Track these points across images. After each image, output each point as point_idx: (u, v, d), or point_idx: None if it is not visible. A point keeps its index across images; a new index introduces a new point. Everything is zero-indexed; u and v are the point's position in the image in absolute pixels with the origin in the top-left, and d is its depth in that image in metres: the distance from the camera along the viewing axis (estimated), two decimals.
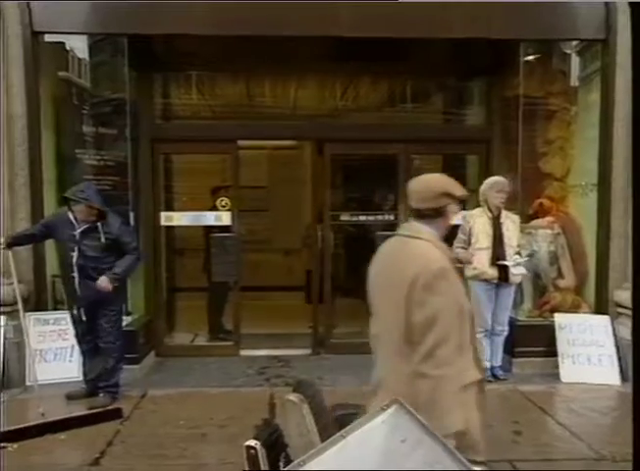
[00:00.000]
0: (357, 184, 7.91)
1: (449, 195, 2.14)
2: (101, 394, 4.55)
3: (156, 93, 6.20)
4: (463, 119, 6.66)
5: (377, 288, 2.29)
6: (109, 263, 4.45)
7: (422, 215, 2.17)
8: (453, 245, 5.25)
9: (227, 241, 5.94)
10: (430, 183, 2.23)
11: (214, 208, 6.06)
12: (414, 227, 2.17)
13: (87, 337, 4.60)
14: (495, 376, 5.20)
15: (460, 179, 6.75)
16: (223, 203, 6.03)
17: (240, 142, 6.07)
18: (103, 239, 4.40)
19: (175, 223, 6.09)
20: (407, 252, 2.17)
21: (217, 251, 5.94)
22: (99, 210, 4.39)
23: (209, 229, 6.10)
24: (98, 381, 4.61)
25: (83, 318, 4.52)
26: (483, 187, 5.21)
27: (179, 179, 7.05)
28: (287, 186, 8.93)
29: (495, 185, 5.13)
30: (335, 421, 2.55)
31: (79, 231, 4.42)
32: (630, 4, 2.14)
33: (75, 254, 4.39)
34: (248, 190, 7.46)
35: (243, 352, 6.07)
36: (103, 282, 4.39)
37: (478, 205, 5.28)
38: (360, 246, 6.78)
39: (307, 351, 6.13)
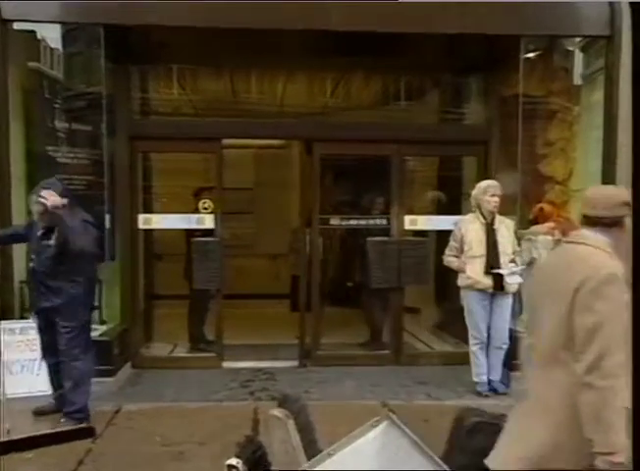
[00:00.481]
0: (348, 187, 7.93)
1: (629, 206, 2.16)
2: (62, 420, 4.40)
3: (134, 87, 6.17)
4: (460, 118, 6.69)
5: (539, 297, 2.29)
6: (64, 272, 4.28)
7: (597, 223, 2.17)
8: (445, 254, 5.32)
9: (209, 246, 5.93)
10: (613, 192, 2.28)
11: (196, 211, 6.06)
12: (585, 234, 2.18)
13: (50, 349, 4.48)
14: (494, 390, 5.21)
15: (456, 182, 7.03)
16: (205, 205, 6.02)
17: (225, 141, 6.08)
18: (54, 243, 4.23)
19: (154, 226, 6.08)
20: (575, 257, 2.18)
21: (199, 256, 5.92)
22: (55, 211, 4.24)
23: (191, 232, 6.10)
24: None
25: (43, 328, 4.45)
26: (475, 192, 5.24)
27: (158, 179, 7.04)
28: (273, 188, 8.97)
29: (487, 189, 5.15)
30: (469, 431, 2.56)
31: (39, 233, 4.36)
32: (631, 4, 2.19)
33: (34, 258, 4.33)
34: (233, 192, 7.47)
35: (226, 364, 6.07)
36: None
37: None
38: (350, 252, 6.99)
39: (293, 363, 6.13)
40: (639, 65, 2.15)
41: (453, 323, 6.46)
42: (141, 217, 6.00)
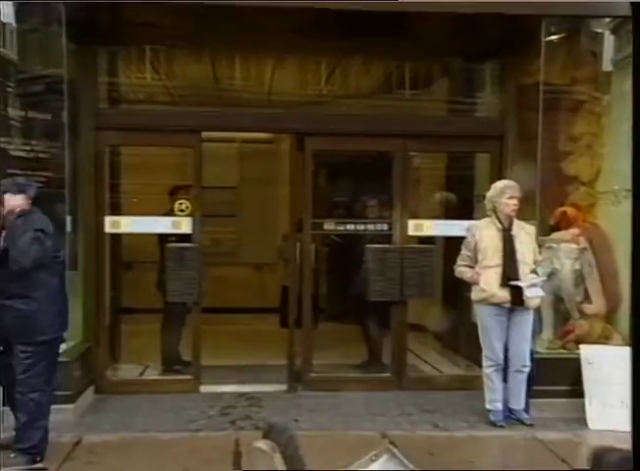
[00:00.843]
0: (345, 187, 8.02)
1: None
2: (12, 455, 4.26)
3: (101, 71, 6.14)
4: (472, 110, 6.71)
5: None
6: (15, 286, 4.17)
7: None
8: (457, 264, 5.31)
9: (186, 253, 5.93)
10: None
11: (171, 212, 6.08)
12: None
13: (6, 376, 4.35)
14: (519, 421, 5.20)
15: (467, 182, 7.07)
16: (182, 207, 6.03)
17: (204, 134, 6.10)
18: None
19: (123, 230, 6.08)
20: None
21: (174, 265, 5.92)
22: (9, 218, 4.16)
23: (165, 237, 6.11)
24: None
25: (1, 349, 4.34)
26: (491, 193, 5.24)
27: (128, 176, 7.04)
28: (259, 188, 9.00)
29: (505, 191, 5.15)
30: None
31: None
32: (632, 4, 2.30)
33: None
34: (213, 192, 7.51)
35: (204, 388, 6.06)
36: None
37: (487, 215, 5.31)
38: (347, 261, 7.01)
39: (281, 387, 6.14)
40: (639, 65, 2.21)
41: (463, 342, 6.49)
42: (108, 219, 5.97)
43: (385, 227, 6.22)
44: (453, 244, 5.63)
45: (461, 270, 5.26)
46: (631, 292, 1.99)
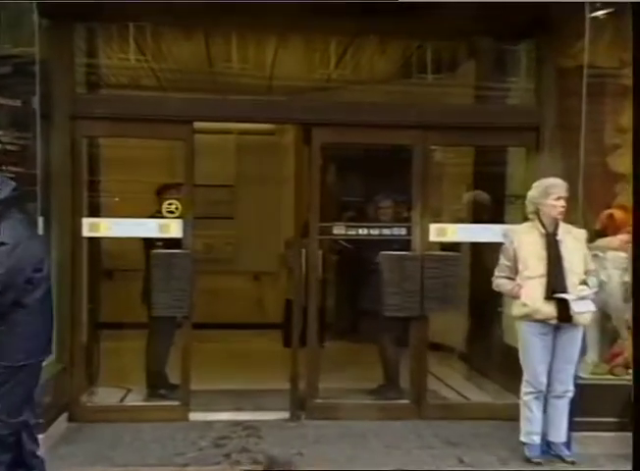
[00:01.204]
0: (357, 186, 8.11)
1: None
2: None
3: (78, 51, 6.10)
4: (504, 97, 6.68)
5: None
6: None
7: None
8: (495, 275, 5.29)
9: (175, 260, 5.93)
10: None
11: (159, 214, 6.11)
12: None
13: None
14: (559, 457, 5.16)
15: (498, 180, 7.02)
16: (171, 208, 6.04)
17: (197, 124, 6.09)
18: None
19: (103, 233, 6.06)
20: None
21: (161, 274, 5.92)
22: None
23: (151, 243, 6.17)
24: None
25: None
26: (532, 193, 5.21)
27: (109, 172, 7.04)
28: (260, 186, 9.07)
29: (551, 190, 5.11)
30: None
31: None
32: (632, 4, 2.14)
33: None
34: (207, 191, 7.60)
35: (194, 416, 6.06)
36: None
37: (526, 218, 5.26)
38: (359, 271, 7.05)
39: (283, 415, 6.16)
40: (639, 64, 2.06)
41: (493, 365, 6.48)
42: (86, 222, 5.94)
43: (403, 231, 6.21)
44: (482, 251, 5.66)
45: (500, 282, 5.22)
46: (632, 295, 1.87)
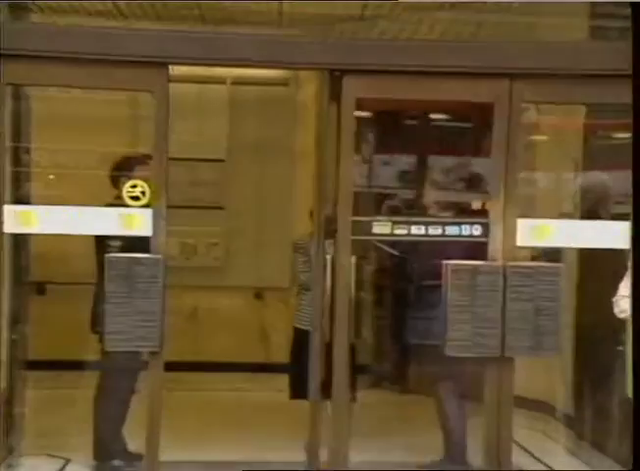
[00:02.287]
0: (407, 163, 8.07)
1: None
2: None
3: None
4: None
5: None
6: None
7: None
8: (617, 295, 5.29)
9: (141, 270, 5.82)
10: None
11: (117, 201, 6.11)
12: None
13: None
14: None
15: (623, 157, 6.78)
16: (135, 192, 5.96)
17: (175, 70, 6.04)
18: None
19: (33, 229, 5.99)
20: None
21: (119, 289, 5.80)
22: None
23: (105, 243, 6.16)
24: None
25: None
26: None
27: (44, 138, 7.08)
28: (263, 162, 9.23)
29: None
30: None
31: None
32: (631, 4, 3.02)
33: None
34: (187, 167, 7.88)
35: None
36: None
37: None
38: (409, 288, 7.06)
39: None
40: (639, 65, 2.54)
41: (612, 431, 6.44)
42: (9, 210, 5.83)
43: (476, 231, 6.09)
44: (596, 262, 5.72)
45: (627, 306, 5.06)
46: (632, 295, 2.23)
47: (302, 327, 7.17)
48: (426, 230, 6.16)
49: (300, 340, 7.12)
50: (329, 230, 6.18)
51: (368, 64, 5.94)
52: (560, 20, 6.86)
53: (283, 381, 7.93)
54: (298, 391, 6.92)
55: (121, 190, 5.98)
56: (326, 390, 6.11)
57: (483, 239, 6.02)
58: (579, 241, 6.18)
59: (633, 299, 1.88)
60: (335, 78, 6.04)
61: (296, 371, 7.36)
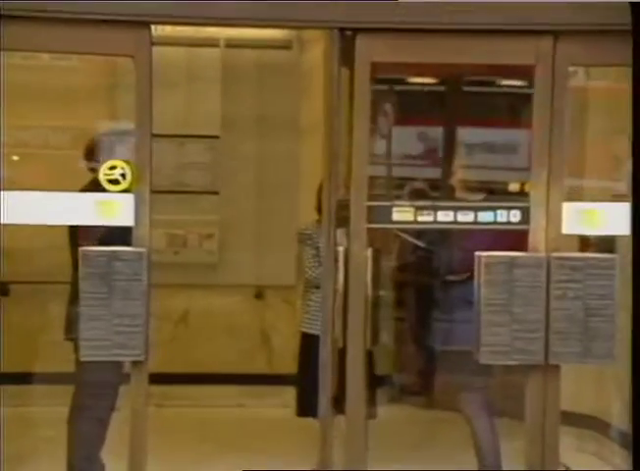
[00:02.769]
0: (433, 138, 8.15)
1: None
2: None
3: None
4: None
5: None
6: None
7: None
8: None
9: (121, 266, 5.84)
10: None
11: (94, 185, 6.13)
12: None
13: None
14: None
15: None
16: (113, 174, 5.96)
17: (159, 30, 6.11)
18: None
19: None
20: None
21: (97, 289, 5.81)
22: None
23: (77, 235, 6.27)
24: None
25: None
26: None
27: (5, 112, 6.87)
28: (263, 138, 9.34)
29: None
30: None
31: None
32: (631, 4, 3.34)
33: None
34: (175, 145, 7.96)
35: None
36: None
37: None
38: (435, 286, 7.12)
39: None
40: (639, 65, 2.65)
41: None
42: None
43: (514, 217, 6.07)
44: None
45: None
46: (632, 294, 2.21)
47: (311, 331, 7.20)
48: (455, 216, 6.13)
49: (309, 347, 7.15)
50: (341, 217, 6.13)
51: (385, 21, 5.93)
52: None
53: (289, 395, 8.06)
54: (307, 407, 6.98)
55: (97, 173, 5.98)
56: (339, 405, 6.09)
57: (523, 227, 5.99)
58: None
59: (634, 298, 1.90)
60: (346, 39, 6.02)
61: (305, 384, 7.38)
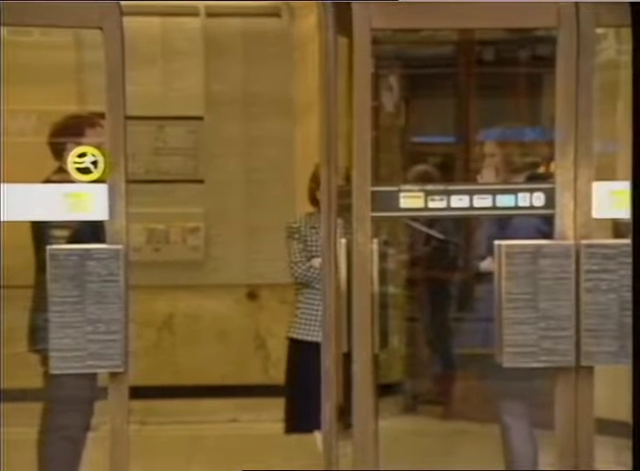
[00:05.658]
0: (441, 114, 8.20)
1: None
2: None
3: None
4: None
5: None
6: None
7: None
8: None
9: (95, 265, 5.80)
10: None
11: (60, 174, 6.21)
12: None
13: None
14: None
15: None
16: (84, 162, 5.92)
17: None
18: None
19: None
20: None
21: (68, 293, 5.77)
22: None
23: (46, 232, 6.30)
24: None
25: None
26: None
27: None
28: (252, 119, 9.50)
29: None
30: None
31: None
32: (631, 4, 3.74)
33: None
34: (152, 129, 7.99)
35: None
36: None
37: None
38: (450, 281, 7.29)
39: None
40: (639, 65, 2.44)
41: None
42: None
43: (537, 200, 6.00)
44: None
45: None
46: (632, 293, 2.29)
47: (300, 337, 7.33)
48: (470, 201, 6.07)
49: (296, 354, 7.26)
50: (341, 205, 6.13)
51: None
52: None
53: (279, 409, 8.07)
54: (295, 422, 7.19)
55: (65, 161, 5.98)
56: (343, 418, 6.10)
57: (548, 211, 5.95)
58: None
59: (634, 291, 1.90)
60: (342, 4, 6.00)
61: (293, 396, 7.47)
